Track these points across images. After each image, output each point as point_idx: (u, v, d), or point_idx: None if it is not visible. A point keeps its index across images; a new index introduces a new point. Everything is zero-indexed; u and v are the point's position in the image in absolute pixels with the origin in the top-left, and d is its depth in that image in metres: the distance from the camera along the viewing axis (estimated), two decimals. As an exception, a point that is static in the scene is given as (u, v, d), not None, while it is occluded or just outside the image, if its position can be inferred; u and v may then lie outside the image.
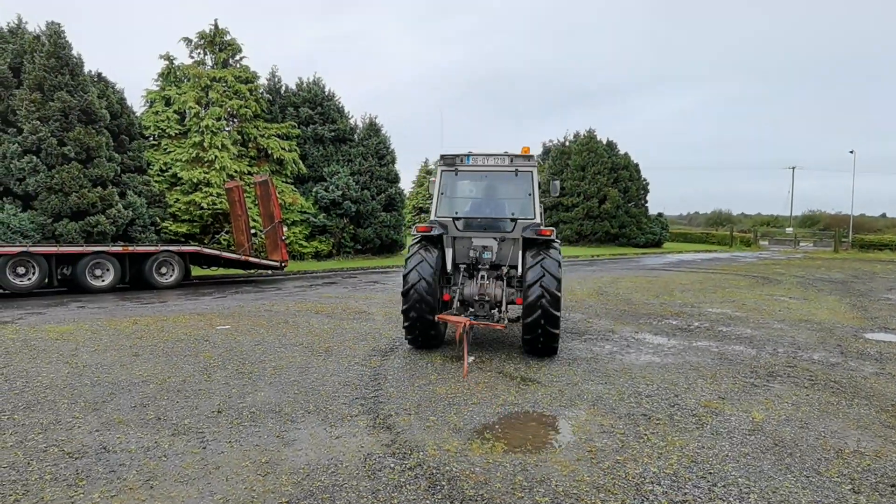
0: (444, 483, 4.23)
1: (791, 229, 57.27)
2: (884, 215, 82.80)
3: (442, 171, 8.92)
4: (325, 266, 22.05)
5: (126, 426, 5.25)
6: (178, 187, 22.38)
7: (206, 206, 21.79)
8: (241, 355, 7.90)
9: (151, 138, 23.26)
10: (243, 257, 17.19)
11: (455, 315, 7.94)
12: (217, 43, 24.22)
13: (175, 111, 23.10)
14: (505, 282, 8.39)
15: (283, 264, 17.92)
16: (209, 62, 24.57)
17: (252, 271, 18.84)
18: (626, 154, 42.26)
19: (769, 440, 5.16)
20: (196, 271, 17.79)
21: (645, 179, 42.78)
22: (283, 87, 27.13)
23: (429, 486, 4.18)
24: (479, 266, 8.47)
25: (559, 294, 7.67)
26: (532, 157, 8.70)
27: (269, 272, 18.97)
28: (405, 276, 8.09)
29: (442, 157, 8.95)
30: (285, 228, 19.54)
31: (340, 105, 27.36)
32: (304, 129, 25.87)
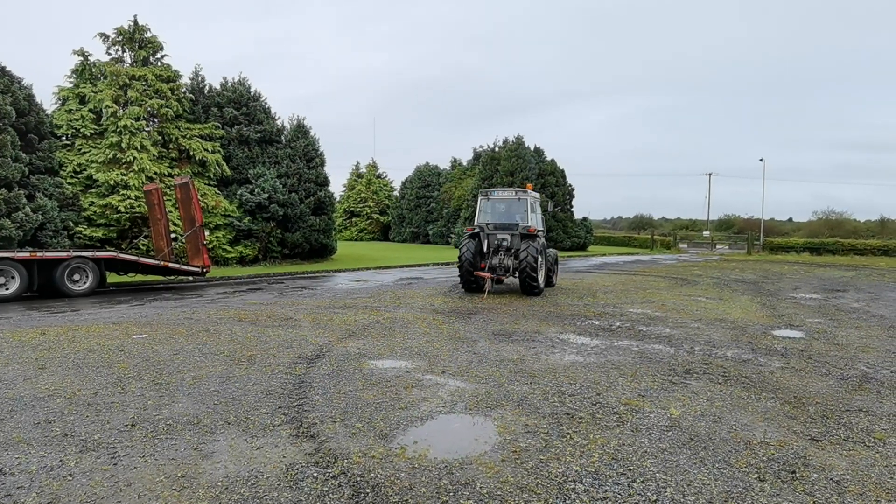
0: (368, 490, 4.18)
1: (708, 233, 60.19)
2: (791, 219, 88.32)
3: (480, 198, 16.35)
4: (251, 272, 21.46)
5: (27, 445, 4.91)
6: (93, 190, 21.32)
7: (123, 209, 20.84)
8: (158, 365, 7.56)
9: (64, 138, 22.08)
10: (163, 263, 16.50)
11: (484, 273, 15.14)
12: (136, 40, 23.25)
13: (90, 110, 22.01)
14: (513, 257, 15.23)
15: (205, 270, 17.32)
16: (128, 60, 23.56)
17: (172, 278, 18.12)
18: (552, 160, 43.36)
19: (685, 435, 5.36)
20: (112, 278, 16.93)
21: (570, 185, 44.01)
22: (207, 87, 26.30)
23: (352, 495, 4.12)
24: (500, 249, 15.45)
25: (535, 263, 14.59)
26: (527, 191, 15.92)
27: (191, 278, 18.28)
28: (460, 249, 15.63)
29: (481, 190, 17.01)
30: (207, 233, 18.89)
31: (267, 106, 26.80)
32: (228, 130, 25.15)
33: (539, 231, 15.81)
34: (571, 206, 43.68)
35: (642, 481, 4.41)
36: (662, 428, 5.54)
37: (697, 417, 5.86)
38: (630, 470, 4.60)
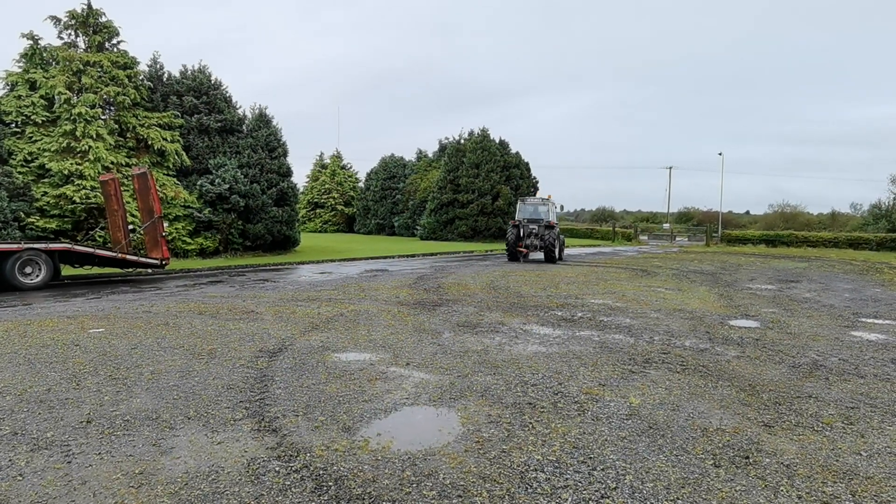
0: (330, 483, 4.17)
1: (668, 225, 61.38)
2: (748, 212, 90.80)
3: (520, 202, 25.91)
4: (211, 264, 21.08)
5: (-24, 443, 4.75)
6: (46, 179, 20.63)
7: (78, 199, 20.23)
8: (115, 360, 7.39)
9: (14, 125, 21.27)
10: (120, 255, 16.09)
11: (522, 249, 24.22)
12: (91, 24, 22.51)
13: (42, 96, 21.24)
14: (539, 239, 23.86)
15: (164, 262, 16.94)
16: (82, 45, 22.80)
17: (130, 270, 17.69)
18: (517, 153, 43.69)
19: (644, 423, 5.48)
20: (67, 271, 16.46)
21: (535, 178, 44.39)
22: (166, 75, 25.68)
23: (315, 488, 4.10)
24: (531, 234, 24.26)
25: (554, 244, 23.54)
26: (549, 199, 25.46)
27: (149, 271, 17.88)
28: (507, 234, 24.65)
29: (521, 198, 27.40)
30: (166, 224, 18.47)
31: (228, 94, 26.32)
32: (188, 119, 24.61)
33: (555, 223, 24.86)
34: (535, 199, 44.07)
35: (602, 469, 4.50)
36: (622, 416, 5.64)
37: (656, 406, 5.98)
38: (590, 458, 4.68)
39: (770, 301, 13.82)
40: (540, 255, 24.72)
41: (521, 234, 24.30)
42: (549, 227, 23.96)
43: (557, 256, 24.12)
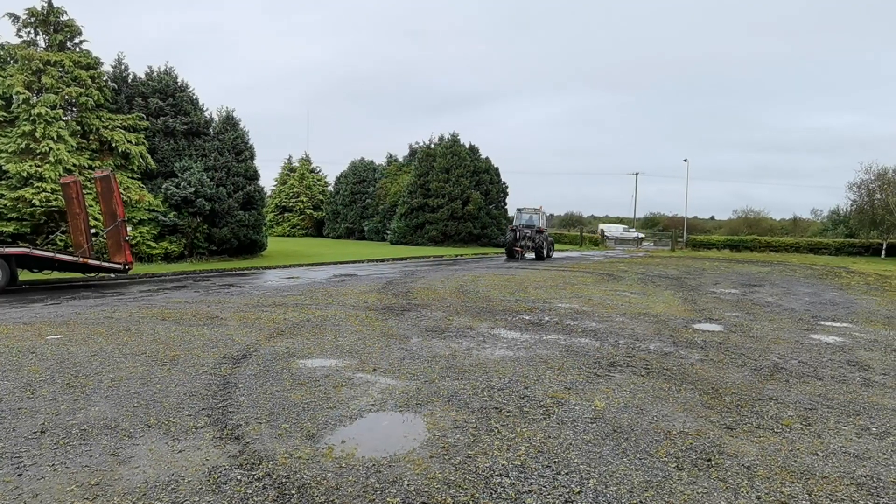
0: (293, 492, 4.10)
1: (634, 230, 62.23)
2: (713, 218, 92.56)
3: (517, 211, 32.05)
4: (176, 268, 20.70)
5: (-77, 455, 4.57)
6: (3, 181, 19.99)
7: (38, 202, 19.63)
8: (73, 367, 7.19)
9: (-32, 126, 20.59)
10: (81, 259, 15.67)
11: (519, 248, 29.13)
12: (51, 22, 21.92)
13: (-1, 96, 20.62)
14: (532, 241, 29.32)
15: (127, 267, 16.56)
16: (42, 43, 22.18)
17: (92, 275, 17.26)
18: (487, 158, 43.92)
19: (609, 427, 5.53)
20: (26, 276, 15.97)
21: (504, 183, 44.68)
22: (131, 76, 25.16)
23: (277, 496, 4.04)
24: (525, 237, 29.47)
25: (543, 245, 29.36)
26: (540, 209, 31.37)
27: (112, 276, 17.48)
28: (506, 236, 30.90)
29: (518, 208, 32.32)
30: (130, 228, 18.07)
31: (194, 97, 25.87)
32: (153, 121, 24.13)
33: (545, 229, 30.75)
34: (505, 204, 44.33)
35: (567, 473, 4.52)
36: (587, 420, 5.69)
37: (621, 409, 6.04)
38: (555, 462, 4.70)
39: (733, 305, 14.09)
40: (532, 255, 29.94)
41: (517, 236, 29.34)
42: (540, 231, 29.62)
43: (546, 255, 29.54)
